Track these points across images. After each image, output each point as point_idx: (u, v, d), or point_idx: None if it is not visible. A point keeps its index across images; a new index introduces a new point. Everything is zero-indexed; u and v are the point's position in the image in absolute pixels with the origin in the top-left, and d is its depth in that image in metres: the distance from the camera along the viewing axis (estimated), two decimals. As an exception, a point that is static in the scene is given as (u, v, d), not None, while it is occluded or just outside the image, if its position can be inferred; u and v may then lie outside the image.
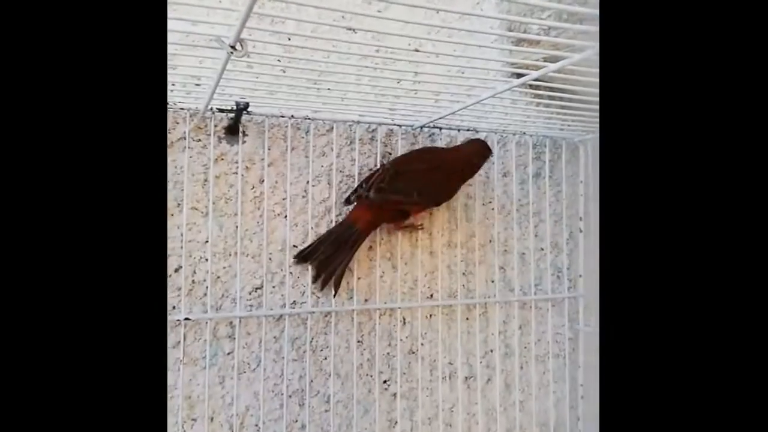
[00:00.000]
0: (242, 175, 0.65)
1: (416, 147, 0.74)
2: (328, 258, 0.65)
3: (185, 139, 0.63)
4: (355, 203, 0.67)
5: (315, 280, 0.66)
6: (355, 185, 0.69)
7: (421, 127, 0.74)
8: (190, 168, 0.63)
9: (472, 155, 0.70)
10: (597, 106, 0.65)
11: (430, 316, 0.74)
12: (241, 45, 0.39)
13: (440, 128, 0.75)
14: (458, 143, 0.76)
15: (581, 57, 0.42)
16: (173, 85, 0.60)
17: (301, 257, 0.66)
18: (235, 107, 0.61)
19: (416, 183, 0.66)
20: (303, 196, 0.68)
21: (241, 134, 0.65)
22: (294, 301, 0.66)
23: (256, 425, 0.64)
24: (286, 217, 0.67)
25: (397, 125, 0.73)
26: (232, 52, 0.40)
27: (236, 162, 0.65)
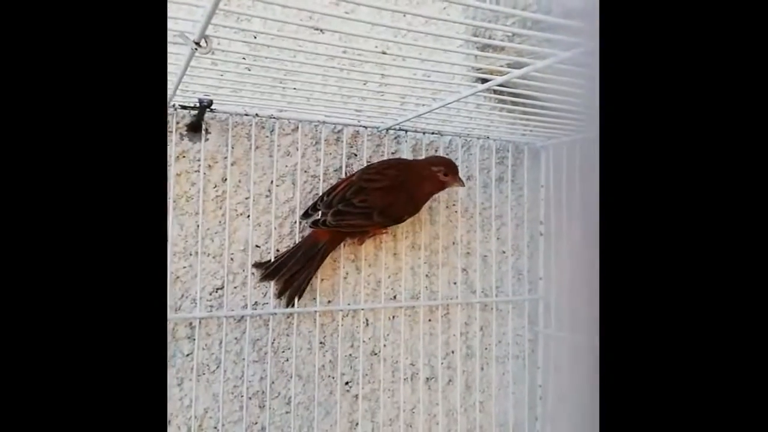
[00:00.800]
0: (204, 173, 0.64)
1: (381, 148, 0.74)
2: (293, 276, 0.65)
3: (146, 135, 0.61)
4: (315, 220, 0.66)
5: (280, 295, 0.66)
6: (320, 186, 0.69)
7: (387, 129, 0.74)
8: (150, 165, 0.61)
9: (438, 171, 0.69)
10: (558, 113, 0.66)
11: (393, 317, 0.74)
12: (206, 41, 0.39)
13: (406, 131, 0.75)
14: (423, 149, 0.76)
15: (544, 64, 0.43)
16: (134, 80, 0.59)
17: (266, 275, 0.65)
18: (198, 104, 0.60)
19: (378, 201, 0.65)
20: (267, 196, 0.67)
21: (203, 132, 0.64)
22: (256, 302, 0.66)
23: (215, 427, 0.63)
24: (249, 216, 0.66)
25: (363, 126, 0.73)
26: (196, 49, 0.39)
27: (198, 160, 0.64)
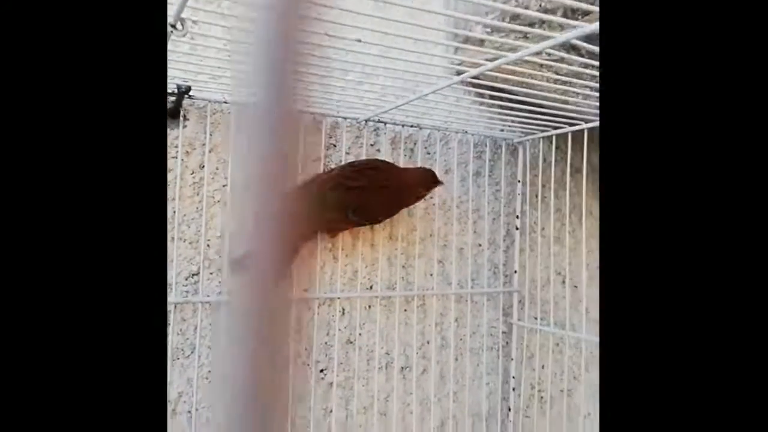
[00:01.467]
0: (182, 159, 0.64)
1: (361, 140, 0.75)
2: None
3: (124, 120, 0.61)
4: None
5: None
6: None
7: (366, 121, 0.74)
8: (127, 150, 0.61)
9: (419, 185, 0.69)
10: (535, 108, 0.68)
11: (369, 306, 0.75)
12: (182, 24, 0.39)
13: (384, 123, 0.76)
14: (402, 142, 0.77)
15: (516, 56, 0.44)
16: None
17: (237, 265, 0.65)
18: (176, 90, 0.60)
19: (354, 200, 0.66)
20: (245, 184, 0.68)
21: (181, 118, 0.64)
22: (232, 288, 0.66)
23: (189, 411, 0.63)
24: (226, 204, 0.66)
25: (342, 117, 0.73)
26: (172, 31, 0.39)
27: (176, 146, 0.64)
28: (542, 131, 0.80)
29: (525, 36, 0.60)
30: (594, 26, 0.37)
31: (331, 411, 0.72)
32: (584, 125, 0.72)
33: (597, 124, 0.71)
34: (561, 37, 0.39)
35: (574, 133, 0.76)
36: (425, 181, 0.70)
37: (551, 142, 0.83)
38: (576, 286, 0.91)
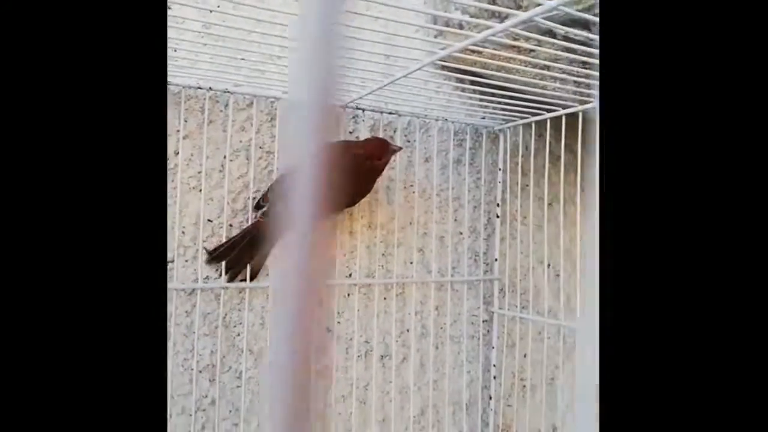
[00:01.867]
0: (156, 145, 0.63)
1: (340, 128, 0.74)
2: (243, 260, 0.65)
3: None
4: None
5: (227, 274, 0.65)
6: (275, 163, 0.69)
7: (344, 107, 0.74)
8: (99, 135, 0.60)
9: (375, 156, 0.67)
10: (515, 95, 0.67)
11: (348, 294, 0.75)
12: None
13: (363, 110, 0.75)
14: (381, 129, 0.77)
15: (482, 36, 0.43)
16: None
17: (214, 257, 0.65)
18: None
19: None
20: (220, 171, 0.67)
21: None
22: (207, 276, 0.65)
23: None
24: (200, 191, 0.65)
25: (320, 104, 0.72)
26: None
27: (150, 132, 0.63)
28: (522, 118, 0.80)
29: (503, 19, 0.60)
30: (556, 2, 0.36)
31: (309, 399, 0.71)
32: (562, 111, 0.72)
33: (575, 109, 0.70)
34: (524, 15, 0.39)
35: (553, 119, 0.75)
36: (380, 150, 0.67)
37: (531, 130, 0.83)
38: (557, 275, 0.92)
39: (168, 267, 0.63)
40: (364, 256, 0.76)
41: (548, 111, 0.74)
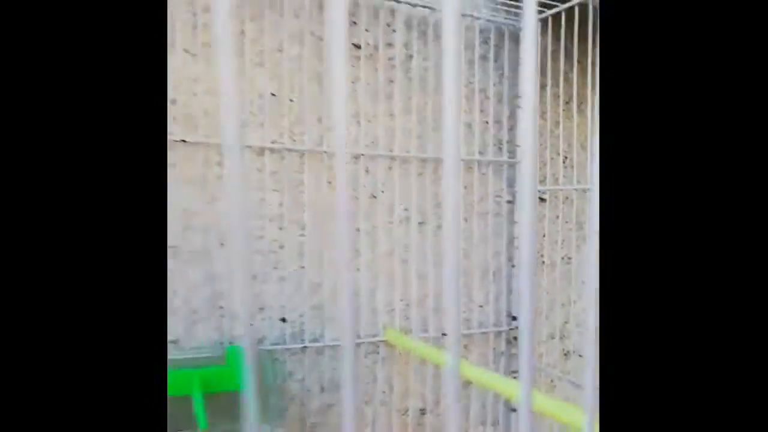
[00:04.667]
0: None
1: (378, 20, 0.85)
2: None
3: None
4: None
5: None
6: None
7: None
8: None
9: None
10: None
11: (390, 168, 0.86)
12: None
13: (399, 1, 0.86)
14: (414, 25, 0.87)
15: None
16: None
17: None
18: None
19: None
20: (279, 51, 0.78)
21: None
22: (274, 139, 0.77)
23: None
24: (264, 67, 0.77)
25: (363, -1, 0.83)
26: None
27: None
28: (540, 11, 0.89)
29: None
30: None
31: (360, 253, 0.84)
32: (575, 1, 0.82)
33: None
34: None
35: (567, 11, 0.85)
36: None
37: (548, 26, 0.92)
38: (572, 167, 1.02)
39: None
40: (403, 136, 0.87)
41: (562, 2, 0.83)
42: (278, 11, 0.78)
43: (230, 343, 0.74)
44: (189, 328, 0.72)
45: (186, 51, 0.72)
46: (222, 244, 0.74)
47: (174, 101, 0.71)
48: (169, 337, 0.70)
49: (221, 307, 0.74)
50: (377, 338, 0.85)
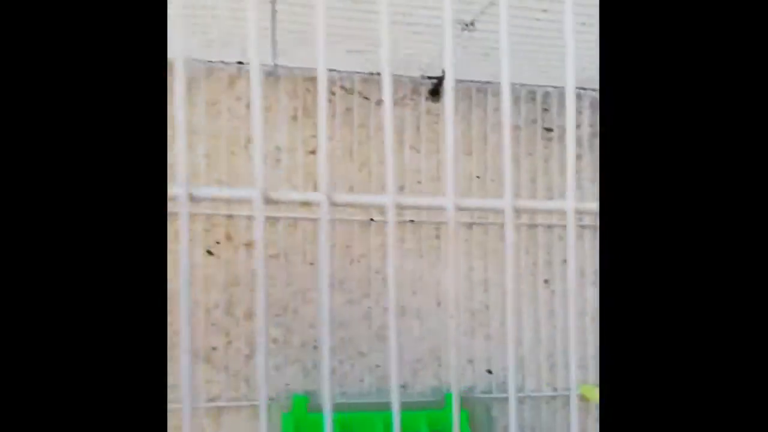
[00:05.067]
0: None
1: None
2: None
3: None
4: None
5: None
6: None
7: None
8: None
9: None
10: None
11: (581, 235, 0.95)
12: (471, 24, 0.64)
13: None
14: None
15: None
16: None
17: None
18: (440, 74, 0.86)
19: None
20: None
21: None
22: (478, 217, 0.91)
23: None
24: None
25: None
26: (465, 29, 0.64)
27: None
28: None
29: None
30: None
31: (554, 313, 0.93)
32: None
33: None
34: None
35: None
36: None
37: None
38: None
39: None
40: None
41: None
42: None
43: (448, 390, 0.87)
44: (414, 375, 0.86)
45: (412, 148, 0.89)
46: (439, 304, 0.88)
47: (402, 188, 0.88)
48: (400, 382, 0.85)
49: (439, 358, 0.87)
50: (572, 392, 0.92)
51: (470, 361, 0.89)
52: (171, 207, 0.26)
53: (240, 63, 0.77)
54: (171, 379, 0.24)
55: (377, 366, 0.85)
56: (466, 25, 0.61)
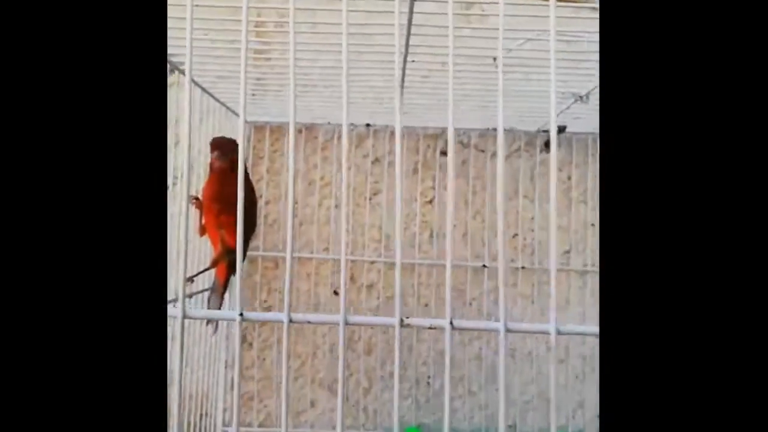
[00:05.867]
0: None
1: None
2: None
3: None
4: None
5: None
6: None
7: None
8: None
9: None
10: None
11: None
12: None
13: None
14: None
15: None
16: None
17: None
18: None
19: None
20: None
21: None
22: (591, 263, 0.91)
23: None
24: (586, 202, 0.92)
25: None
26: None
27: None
28: None
29: None
30: None
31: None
32: None
33: None
34: None
35: None
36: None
37: None
38: None
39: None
40: None
41: None
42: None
43: (555, 433, 0.89)
44: (523, 415, 0.90)
45: (525, 197, 0.92)
46: (548, 349, 0.90)
47: (515, 235, 0.91)
48: (509, 422, 0.89)
49: (547, 400, 0.90)
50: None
51: (581, 405, 0.90)
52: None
53: (368, 125, 0.86)
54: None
55: (486, 405, 0.89)
56: (580, 97, 0.64)
